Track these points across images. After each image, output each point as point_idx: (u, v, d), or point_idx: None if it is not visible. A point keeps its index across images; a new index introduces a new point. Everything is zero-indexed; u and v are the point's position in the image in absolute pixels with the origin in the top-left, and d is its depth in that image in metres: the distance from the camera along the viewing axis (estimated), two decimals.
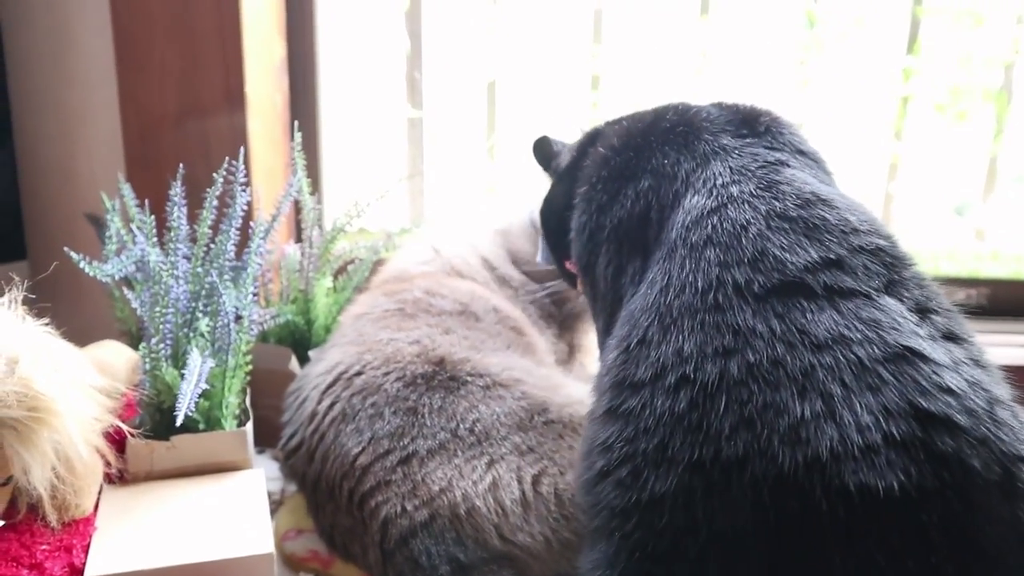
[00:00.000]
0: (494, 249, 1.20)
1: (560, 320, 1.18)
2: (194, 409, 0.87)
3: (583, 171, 0.86)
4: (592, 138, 0.90)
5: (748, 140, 0.79)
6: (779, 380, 0.60)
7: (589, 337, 1.18)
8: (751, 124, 0.81)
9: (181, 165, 0.95)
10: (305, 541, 1.00)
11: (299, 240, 1.28)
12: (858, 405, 0.59)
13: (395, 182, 1.22)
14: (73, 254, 0.92)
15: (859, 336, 0.62)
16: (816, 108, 1.51)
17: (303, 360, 1.16)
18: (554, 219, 0.92)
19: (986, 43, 1.49)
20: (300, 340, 1.20)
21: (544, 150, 0.98)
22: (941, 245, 1.60)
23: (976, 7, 1.47)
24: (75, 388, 0.78)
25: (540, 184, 1.13)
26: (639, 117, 0.86)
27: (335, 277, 1.24)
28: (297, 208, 1.23)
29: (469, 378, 0.94)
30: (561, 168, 0.93)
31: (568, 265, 0.92)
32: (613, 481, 0.64)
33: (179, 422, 0.84)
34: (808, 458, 0.57)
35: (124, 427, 0.84)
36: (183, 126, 1.25)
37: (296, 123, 1.18)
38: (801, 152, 0.80)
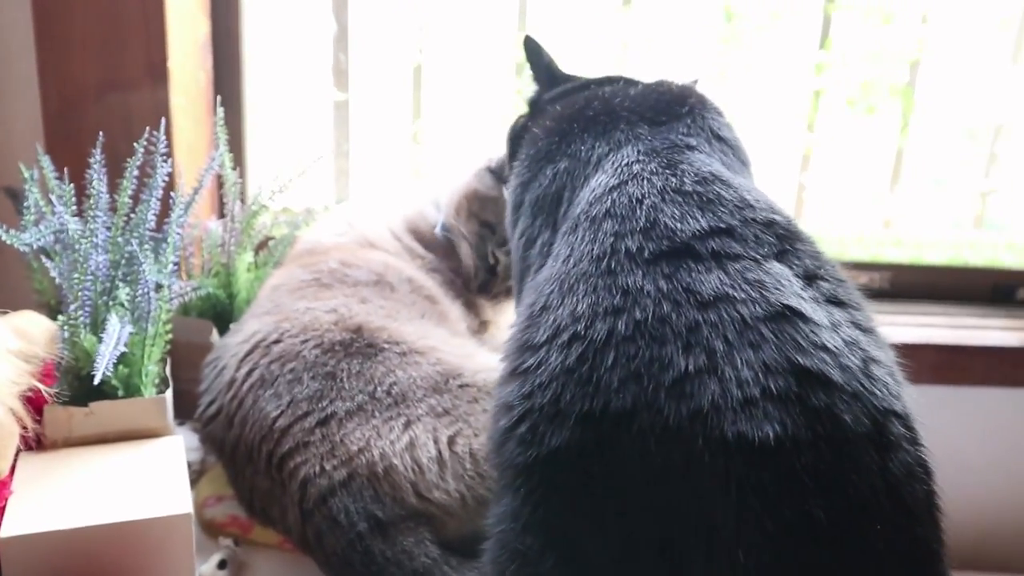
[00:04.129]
0: (400, 225, 1.23)
1: (466, 296, 1.20)
2: (112, 372, 0.88)
3: (523, 142, 0.92)
4: (535, 105, 0.98)
5: (663, 127, 0.83)
6: (665, 336, 0.62)
7: (496, 312, 1.22)
8: (674, 107, 0.85)
9: (101, 133, 0.96)
10: (225, 508, 1.01)
11: (222, 216, 1.28)
12: (739, 360, 0.61)
13: (315, 160, 1.23)
14: None
15: (743, 296, 0.64)
16: (733, 99, 1.55)
17: (224, 333, 1.16)
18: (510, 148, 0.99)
19: (894, 40, 1.55)
20: (222, 313, 1.20)
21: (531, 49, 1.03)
22: (849, 232, 1.66)
23: (885, 5, 1.53)
24: None
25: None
26: (572, 102, 0.90)
27: (256, 252, 1.24)
28: (220, 184, 1.24)
29: (386, 345, 0.96)
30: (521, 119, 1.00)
31: None
32: (516, 438, 0.66)
33: (97, 381, 0.84)
34: (691, 410, 0.59)
35: (43, 388, 0.84)
36: (104, 100, 1.24)
37: (219, 98, 1.19)
38: (719, 138, 0.84)
